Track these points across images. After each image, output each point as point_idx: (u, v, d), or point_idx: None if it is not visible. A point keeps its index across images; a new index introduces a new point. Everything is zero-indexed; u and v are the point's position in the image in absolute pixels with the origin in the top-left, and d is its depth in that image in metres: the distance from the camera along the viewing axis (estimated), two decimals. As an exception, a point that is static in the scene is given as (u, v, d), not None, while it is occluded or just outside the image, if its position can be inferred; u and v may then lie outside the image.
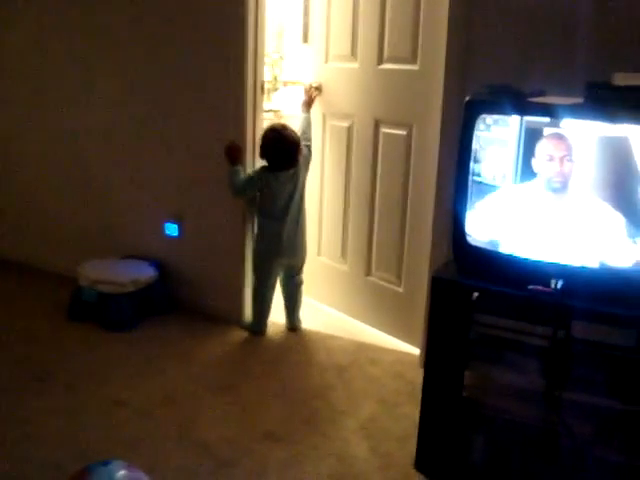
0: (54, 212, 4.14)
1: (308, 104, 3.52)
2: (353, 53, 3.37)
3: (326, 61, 3.54)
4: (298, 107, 3.59)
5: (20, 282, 4.06)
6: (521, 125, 2.11)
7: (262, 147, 3.33)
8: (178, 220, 3.66)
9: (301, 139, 3.38)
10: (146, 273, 3.57)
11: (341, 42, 3.44)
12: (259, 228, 3.46)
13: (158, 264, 3.67)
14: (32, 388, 2.87)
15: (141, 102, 3.65)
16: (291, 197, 3.36)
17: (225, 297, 3.60)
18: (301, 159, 3.37)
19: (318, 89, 3.55)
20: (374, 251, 3.49)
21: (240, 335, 3.48)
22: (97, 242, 3.96)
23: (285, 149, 3.30)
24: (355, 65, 3.37)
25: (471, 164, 2.20)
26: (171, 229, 3.68)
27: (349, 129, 3.49)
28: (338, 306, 3.74)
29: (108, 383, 2.94)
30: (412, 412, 2.61)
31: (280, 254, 3.41)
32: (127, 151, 3.77)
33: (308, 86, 3.57)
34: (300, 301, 3.60)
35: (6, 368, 3.04)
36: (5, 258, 4.31)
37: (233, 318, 3.57)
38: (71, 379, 2.96)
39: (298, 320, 3.58)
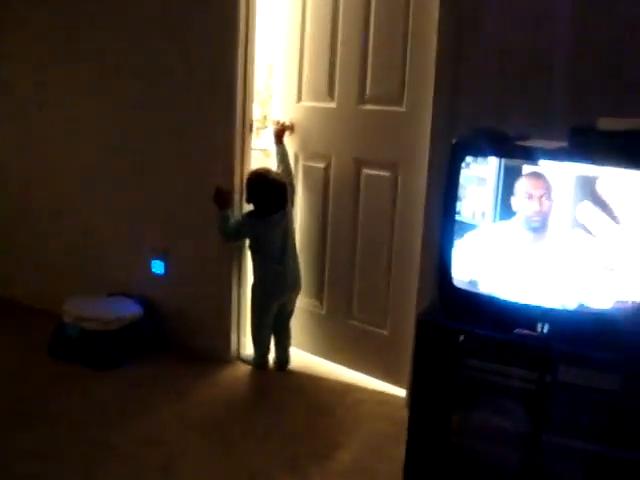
0: (39, 247, 4.11)
1: (278, 135, 3.46)
2: (330, 92, 3.34)
3: (298, 100, 3.48)
4: (270, 142, 3.57)
5: (5, 318, 4.01)
6: (500, 163, 2.13)
7: (248, 193, 3.33)
8: (164, 257, 3.64)
9: (284, 176, 3.39)
10: (131, 310, 3.54)
11: (316, 80, 3.39)
12: (259, 269, 3.42)
13: (144, 301, 3.64)
14: (10, 428, 2.83)
15: (128, 138, 3.66)
16: (284, 236, 3.36)
17: (213, 334, 3.57)
18: (288, 199, 3.38)
19: (290, 128, 3.51)
20: (355, 295, 3.44)
21: (227, 374, 3.45)
22: (82, 279, 3.93)
23: (272, 194, 3.30)
24: (332, 105, 3.34)
25: (456, 204, 2.22)
26: (157, 266, 3.66)
27: (325, 170, 3.44)
28: (318, 351, 3.65)
29: (90, 423, 2.90)
30: (398, 454, 2.57)
31: (283, 293, 3.42)
32: (113, 187, 3.76)
33: (276, 120, 3.55)
34: (290, 337, 3.57)
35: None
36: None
37: (220, 355, 3.55)
38: (52, 419, 2.92)
39: (288, 358, 3.55)
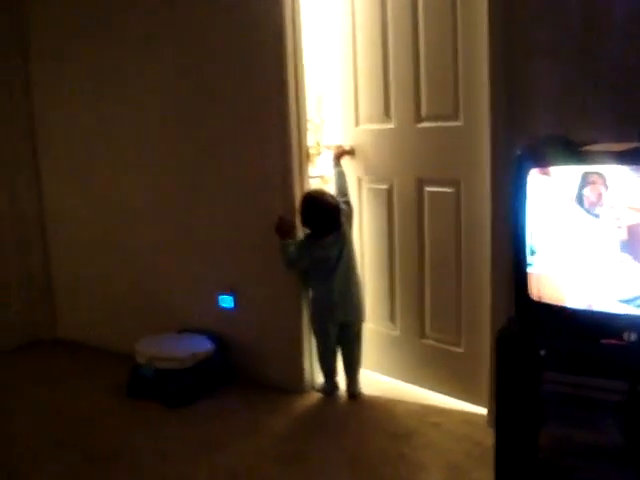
0: (107, 289, 4.19)
1: (337, 158, 3.50)
2: (387, 113, 3.35)
3: (357, 124, 3.51)
4: (328, 166, 3.58)
5: (78, 361, 4.10)
6: (567, 170, 2.08)
7: (303, 215, 3.34)
8: (232, 292, 3.66)
9: (339, 196, 3.40)
10: (204, 347, 3.55)
11: (372, 103, 3.42)
12: (312, 291, 3.45)
13: (215, 337, 3.65)
14: (96, 469, 2.86)
15: (189, 175, 3.71)
16: (339, 257, 3.35)
17: (285, 365, 3.56)
18: (343, 219, 3.37)
19: (350, 152, 3.53)
20: (427, 313, 3.40)
21: (302, 404, 3.43)
22: (152, 317, 3.97)
23: (326, 216, 3.31)
24: (390, 125, 3.35)
25: (526, 217, 2.16)
26: (226, 301, 3.68)
27: (389, 191, 3.44)
28: (392, 373, 3.62)
29: (172, 460, 2.91)
30: (484, 476, 2.51)
31: (333, 314, 3.39)
32: (177, 225, 3.82)
33: (335, 145, 3.59)
34: (359, 363, 3.53)
35: (70, 449, 3.04)
36: (61, 338, 4.37)
37: (294, 386, 3.53)
38: (134, 458, 2.94)
39: (358, 385, 3.51)
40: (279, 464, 2.85)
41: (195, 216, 3.74)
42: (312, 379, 3.59)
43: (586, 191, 2.05)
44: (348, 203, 3.45)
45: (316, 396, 3.52)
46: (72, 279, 4.36)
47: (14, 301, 4.34)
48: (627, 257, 2.01)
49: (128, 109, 3.88)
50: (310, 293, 3.47)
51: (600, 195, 2.03)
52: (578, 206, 2.07)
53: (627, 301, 2.02)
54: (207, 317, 3.77)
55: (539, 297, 2.17)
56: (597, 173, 2.03)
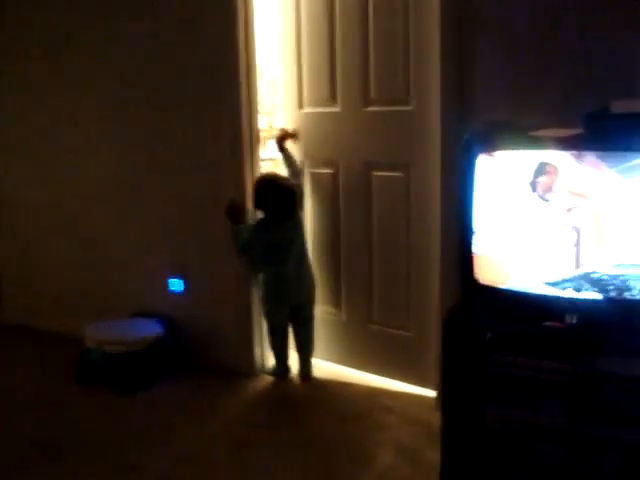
0: (56, 273, 4.13)
1: (280, 141, 3.45)
2: (332, 97, 3.31)
3: (300, 107, 3.46)
4: (275, 150, 3.55)
5: (25, 345, 4.03)
6: (514, 155, 2.10)
7: (257, 198, 3.30)
8: (182, 275, 3.63)
9: (291, 179, 3.37)
10: (153, 331, 3.52)
11: (317, 86, 3.37)
12: (265, 274, 3.43)
13: (166, 321, 3.62)
14: (42, 456, 2.82)
15: (140, 158, 3.66)
16: (293, 241, 3.34)
17: (236, 349, 3.55)
18: (298, 203, 3.35)
19: (293, 136, 3.49)
20: (375, 298, 3.40)
21: (251, 387, 3.43)
22: (103, 302, 3.92)
23: (283, 199, 3.27)
24: (336, 109, 3.31)
25: (473, 201, 2.18)
26: (176, 284, 3.65)
27: (333, 175, 3.42)
28: (340, 360, 3.60)
29: (121, 446, 2.89)
30: (433, 457, 2.55)
31: (285, 297, 3.39)
32: (128, 208, 3.77)
33: (278, 128, 3.55)
34: (311, 345, 3.54)
35: (17, 435, 3.00)
36: (8, 322, 4.29)
37: (245, 370, 3.53)
38: (83, 445, 2.91)
39: (310, 368, 3.52)
40: (231, 448, 2.85)
41: (146, 199, 3.69)
42: (263, 362, 3.59)
43: (542, 179, 2.07)
44: (299, 186, 3.43)
45: (268, 379, 3.52)
46: (20, 262, 4.27)
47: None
48: (570, 240, 2.05)
49: (80, 91, 3.79)
50: (261, 276, 3.45)
51: (552, 183, 2.06)
52: (530, 191, 2.09)
53: (565, 281, 2.06)
54: (158, 301, 3.73)
55: (483, 280, 2.20)
56: (551, 164, 2.06)
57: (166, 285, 3.68)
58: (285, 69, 3.51)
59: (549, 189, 2.07)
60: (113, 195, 3.80)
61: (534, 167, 2.07)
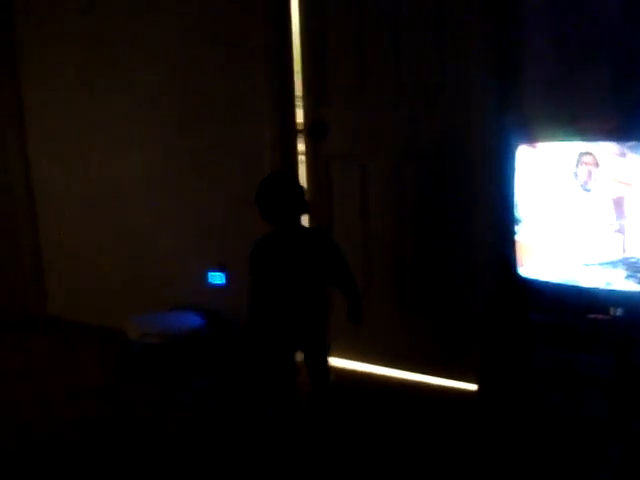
0: (99, 267, 4.18)
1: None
2: (362, 88, 3.26)
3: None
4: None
5: (69, 338, 4.10)
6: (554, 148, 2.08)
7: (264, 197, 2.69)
8: (223, 268, 3.67)
9: None
10: (194, 323, 3.56)
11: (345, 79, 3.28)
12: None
13: (206, 313, 3.65)
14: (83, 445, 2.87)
15: (182, 152, 3.71)
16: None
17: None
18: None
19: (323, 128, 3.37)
20: (409, 294, 3.33)
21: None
22: (144, 295, 3.97)
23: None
24: (368, 100, 3.27)
25: (516, 191, 2.17)
26: (217, 277, 3.69)
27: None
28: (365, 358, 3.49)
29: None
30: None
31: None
32: (168, 202, 3.82)
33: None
34: None
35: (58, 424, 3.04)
36: (52, 314, 4.39)
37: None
38: (123, 439, 2.94)
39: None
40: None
41: (188, 196, 3.73)
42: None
43: (583, 169, 2.06)
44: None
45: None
46: (65, 258, 4.35)
47: (3, 279, 4.33)
48: (613, 227, 2.03)
49: (120, 86, 3.85)
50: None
51: (590, 173, 2.05)
52: (573, 181, 2.07)
53: (609, 264, 2.03)
54: (199, 294, 3.77)
55: (526, 270, 2.18)
56: (589, 153, 2.04)
57: (207, 278, 3.72)
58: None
59: (591, 178, 2.05)
60: (155, 189, 3.85)
61: (576, 157, 2.06)
